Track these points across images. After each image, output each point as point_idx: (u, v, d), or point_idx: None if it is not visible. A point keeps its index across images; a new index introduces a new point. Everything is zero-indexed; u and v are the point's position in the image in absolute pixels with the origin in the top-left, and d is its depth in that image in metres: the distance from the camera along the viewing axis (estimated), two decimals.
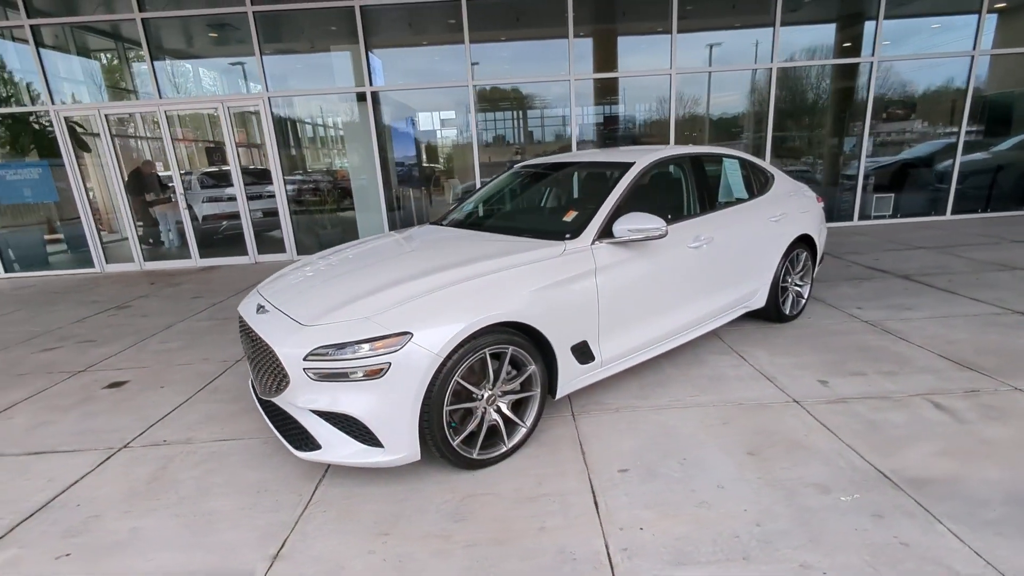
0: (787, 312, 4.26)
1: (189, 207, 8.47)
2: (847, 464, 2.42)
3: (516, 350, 2.52)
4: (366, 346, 2.21)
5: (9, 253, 8.63)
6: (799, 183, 4.64)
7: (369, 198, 8.66)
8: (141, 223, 8.73)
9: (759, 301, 4.03)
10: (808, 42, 8.53)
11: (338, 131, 9.55)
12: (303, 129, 9.67)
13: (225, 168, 8.39)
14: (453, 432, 2.41)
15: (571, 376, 2.82)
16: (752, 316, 4.24)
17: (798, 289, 4.35)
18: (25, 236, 8.72)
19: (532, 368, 2.60)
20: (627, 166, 3.31)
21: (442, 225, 3.82)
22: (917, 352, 3.58)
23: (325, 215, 9.24)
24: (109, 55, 8.79)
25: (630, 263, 3.00)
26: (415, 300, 2.37)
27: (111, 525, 2.28)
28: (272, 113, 8.06)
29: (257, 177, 8.59)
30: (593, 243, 2.91)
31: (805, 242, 4.26)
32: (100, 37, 8.42)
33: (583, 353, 2.84)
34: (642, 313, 3.12)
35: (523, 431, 2.64)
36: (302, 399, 2.31)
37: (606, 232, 2.95)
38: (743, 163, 4.17)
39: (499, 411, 2.57)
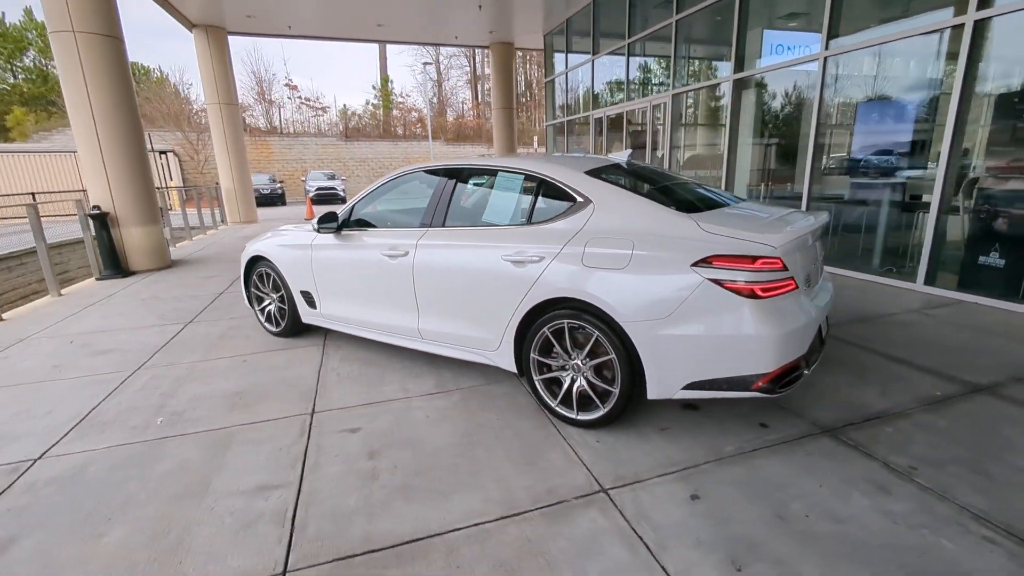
0: (554, 404, 2.75)
1: None
2: None
3: (272, 277, 4.19)
4: None
5: None
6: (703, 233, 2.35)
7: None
8: None
9: (503, 360, 2.95)
10: None
11: None
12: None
13: None
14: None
15: (305, 312, 4.07)
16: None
17: (593, 382, 2.61)
18: None
19: (282, 292, 4.16)
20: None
21: None
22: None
23: None
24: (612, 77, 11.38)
25: (335, 249, 3.66)
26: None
27: None
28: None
29: None
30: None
31: (599, 317, 2.48)
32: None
33: (309, 300, 3.99)
34: (349, 293, 3.67)
35: (276, 329, 4.30)
36: None
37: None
38: (531, 180, 2.85)
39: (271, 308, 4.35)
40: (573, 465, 2.40)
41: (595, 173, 2.84)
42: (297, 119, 33.87)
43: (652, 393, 2.46)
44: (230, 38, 14.13)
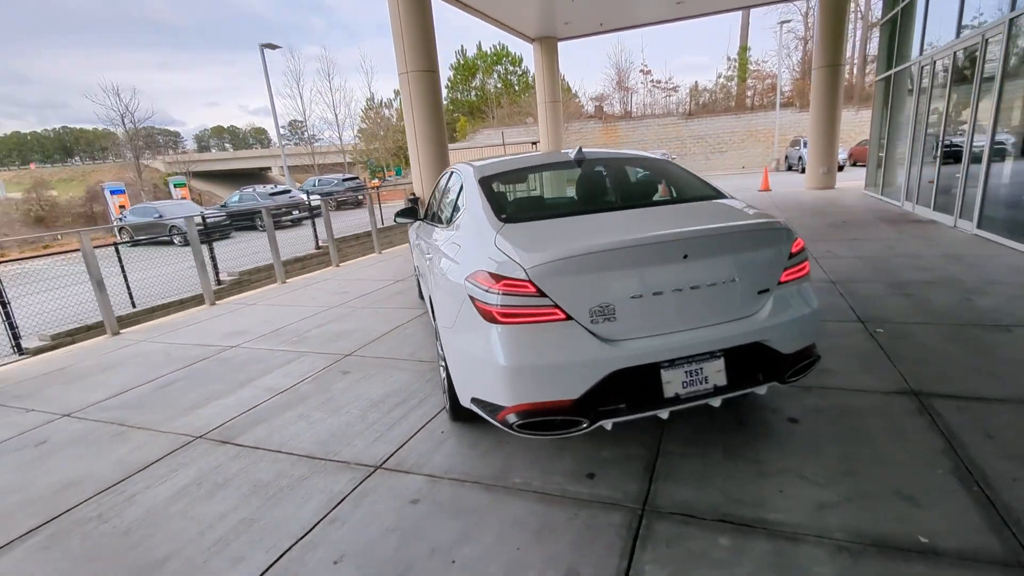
0: (445, 390, 2.90)
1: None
2: None
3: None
4: None
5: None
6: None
7: None
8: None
9: None
10: None
11: None
12: None
13: None
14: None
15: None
16: None
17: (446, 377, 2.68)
18: None
19: None
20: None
21: None
22: None
23: None
24: None
25: (417, 238, 4.49)
26: None
27: None
28: None
29: None
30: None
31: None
32: None
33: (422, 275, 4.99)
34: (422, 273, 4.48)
35: (417, 293, 5.47)
36: None
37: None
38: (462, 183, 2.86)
39: None
40: (399, 443, 2.63)
41: (488, 177, 2.73)
42: (648, 102, 34.96)
43: (462, 400, 2.40)
44: (559, 44, 16.18)
